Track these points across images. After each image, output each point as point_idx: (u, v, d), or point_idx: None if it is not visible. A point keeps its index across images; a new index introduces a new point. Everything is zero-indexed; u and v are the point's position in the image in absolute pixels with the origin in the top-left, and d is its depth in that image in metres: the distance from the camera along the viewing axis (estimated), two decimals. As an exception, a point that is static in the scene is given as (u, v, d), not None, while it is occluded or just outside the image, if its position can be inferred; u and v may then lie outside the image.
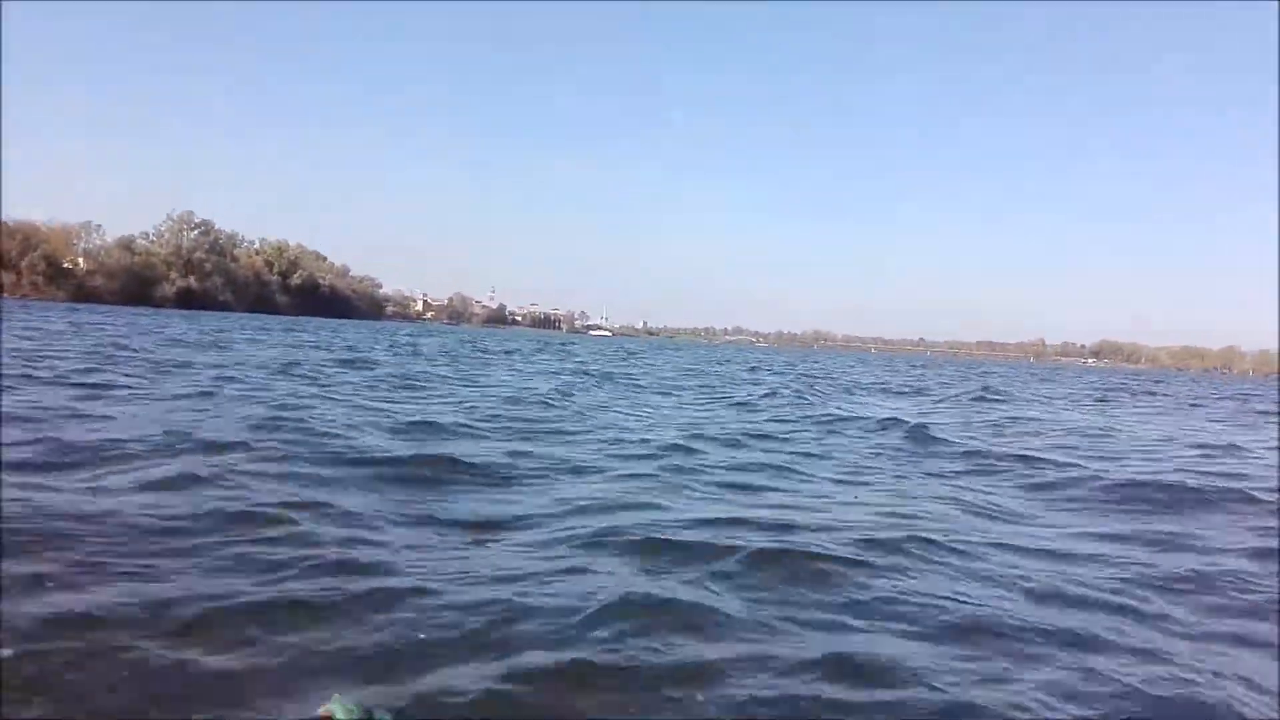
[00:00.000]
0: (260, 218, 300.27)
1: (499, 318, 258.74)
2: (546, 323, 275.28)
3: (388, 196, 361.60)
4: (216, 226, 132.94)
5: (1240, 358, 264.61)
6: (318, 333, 43.22)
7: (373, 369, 18.22)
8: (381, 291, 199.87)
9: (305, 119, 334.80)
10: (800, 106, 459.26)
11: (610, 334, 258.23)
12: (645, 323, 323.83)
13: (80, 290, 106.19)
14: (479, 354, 31.82)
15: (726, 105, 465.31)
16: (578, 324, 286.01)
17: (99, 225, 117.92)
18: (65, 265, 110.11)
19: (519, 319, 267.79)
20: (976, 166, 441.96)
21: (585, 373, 22.36)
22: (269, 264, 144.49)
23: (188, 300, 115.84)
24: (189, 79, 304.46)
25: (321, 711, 0.40)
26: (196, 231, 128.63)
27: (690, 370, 29.28)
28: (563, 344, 55.20)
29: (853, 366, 46.18)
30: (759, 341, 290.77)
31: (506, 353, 34.97)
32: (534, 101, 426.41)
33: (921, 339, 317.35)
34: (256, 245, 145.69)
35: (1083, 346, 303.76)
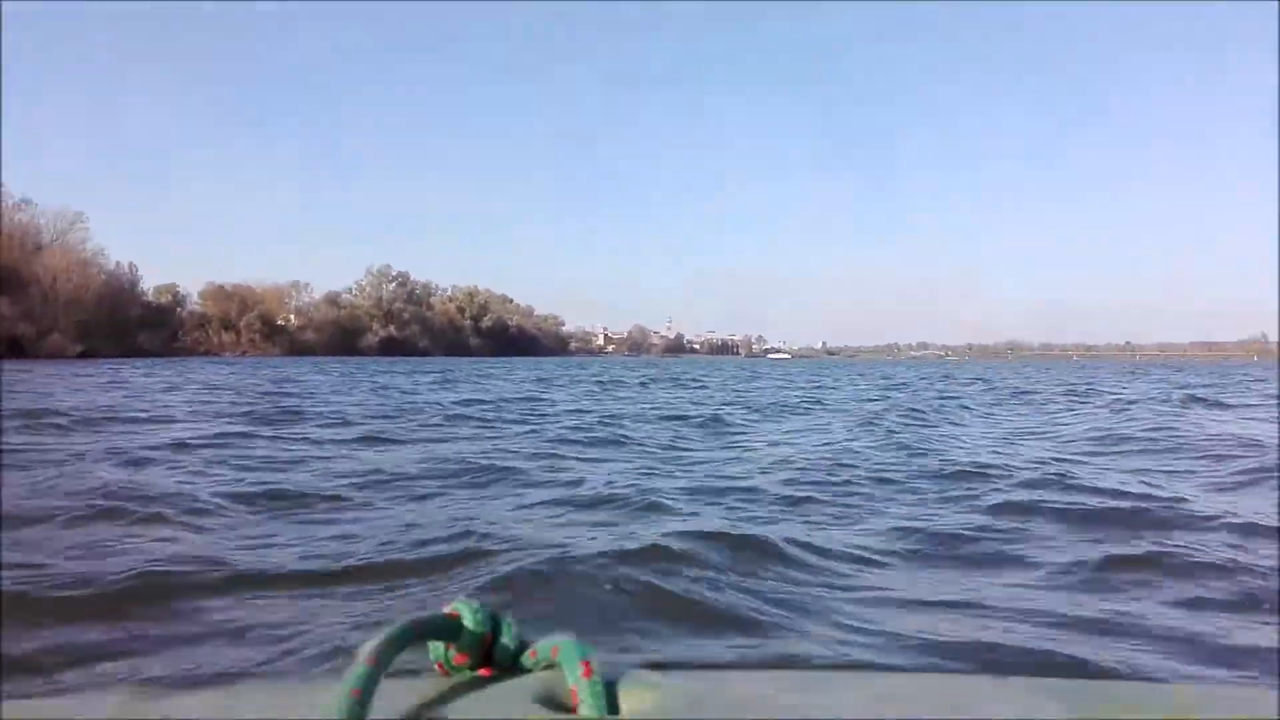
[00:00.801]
0: (448, 266, 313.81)
1: (677, 347, 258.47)
2: (724, 349, 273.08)
3: (557, 233, 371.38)
4: (412, 277, 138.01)
5: None
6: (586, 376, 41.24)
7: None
8: (564, 329, 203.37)
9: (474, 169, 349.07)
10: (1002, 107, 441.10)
11: (789, 356, 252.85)
12: (824, 343, 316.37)
13: (293, 344, 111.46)
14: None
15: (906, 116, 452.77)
16: (755, 349, 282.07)
17: (307, 284, 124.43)
18: (279, 322, 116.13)
19: (696, 347, 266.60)
20: (1198, 136, 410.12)
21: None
22: (461, 310, 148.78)
23: (389, 348, 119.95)
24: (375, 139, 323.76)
25: (448, 610, 0.44)
26: (394, 283, 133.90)
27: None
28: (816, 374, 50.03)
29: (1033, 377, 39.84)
30: (947, 355, 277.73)
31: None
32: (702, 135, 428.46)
33: (1128, 342, 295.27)
34: (449, 292, 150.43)
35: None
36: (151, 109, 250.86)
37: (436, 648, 0.60)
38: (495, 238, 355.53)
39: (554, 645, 0.59)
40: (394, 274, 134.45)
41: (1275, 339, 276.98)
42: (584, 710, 0.53)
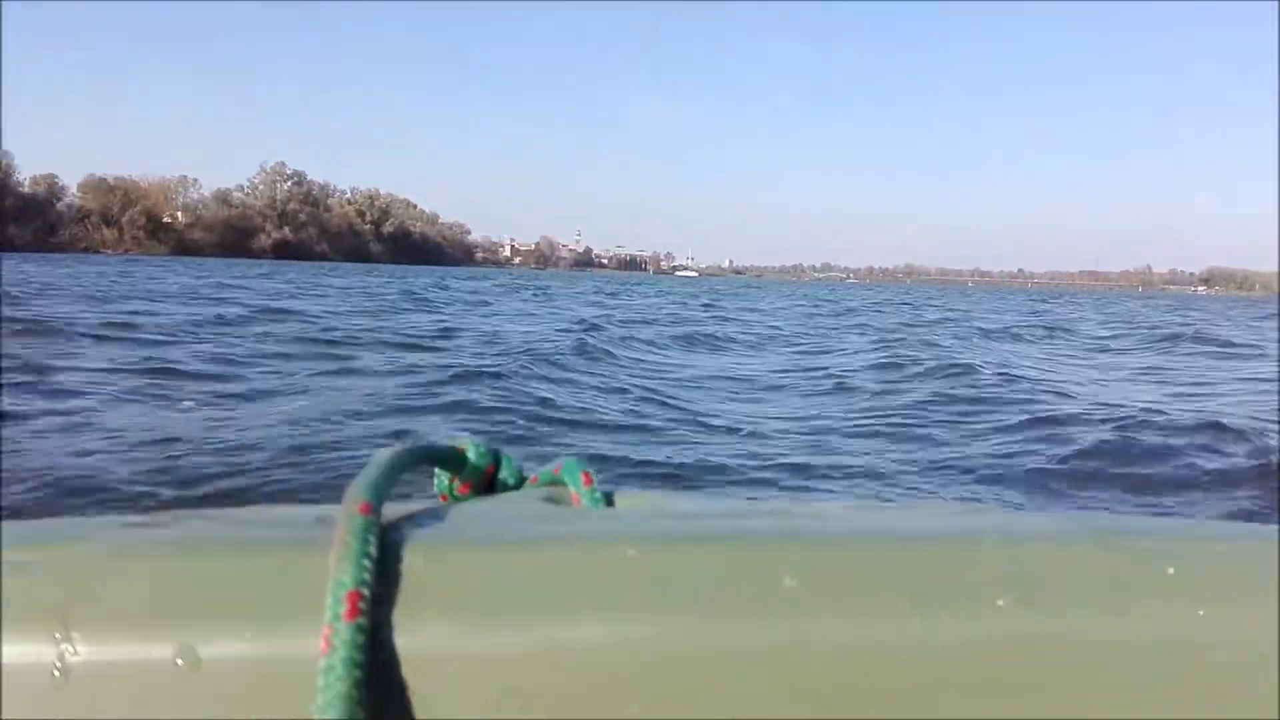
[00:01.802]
0: (348, 166, 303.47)
1: (585, 260, 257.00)
2: (633, 265, 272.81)
3: (466, 142, 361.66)
4: (309, 177, 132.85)
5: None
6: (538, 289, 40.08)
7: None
8: (470, 238, 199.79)
9: (387, 67, 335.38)
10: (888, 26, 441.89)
11: (697, 274, 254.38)
12: (731, 262, 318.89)
13: (180, 244, 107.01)
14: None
15: (815, 30, 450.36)
16: (664, 265, 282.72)
17: (195, 179, 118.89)
18: (165, 220, 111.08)
19: (605, 261, 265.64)
20: (1075, 79, 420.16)
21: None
22: (361, 213, 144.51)
23: (284, 252, 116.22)
24: (272, 34, 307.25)
25: (456, 444, 0.46)
26: (290, 183, 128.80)
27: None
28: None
29: (963, 309, 35.95)
30: (848, 278, 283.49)
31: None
32: (609, 37, 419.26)
33: (1021, 269, 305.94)
34: (349, 194, 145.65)
35: (1192, 274, 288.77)
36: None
37: (441, 479, 0.62)
38: (399, 140, 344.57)
39: (556, 465, 0.61)
40: (289, 172, 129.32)
41: (1158, 270, 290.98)
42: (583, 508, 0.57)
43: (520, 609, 0.41)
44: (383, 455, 0.52)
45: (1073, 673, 0.40)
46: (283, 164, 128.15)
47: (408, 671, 0.41)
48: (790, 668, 0.39)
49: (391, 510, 0.47)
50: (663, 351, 12.17)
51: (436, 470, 0.61)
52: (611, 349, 11.30)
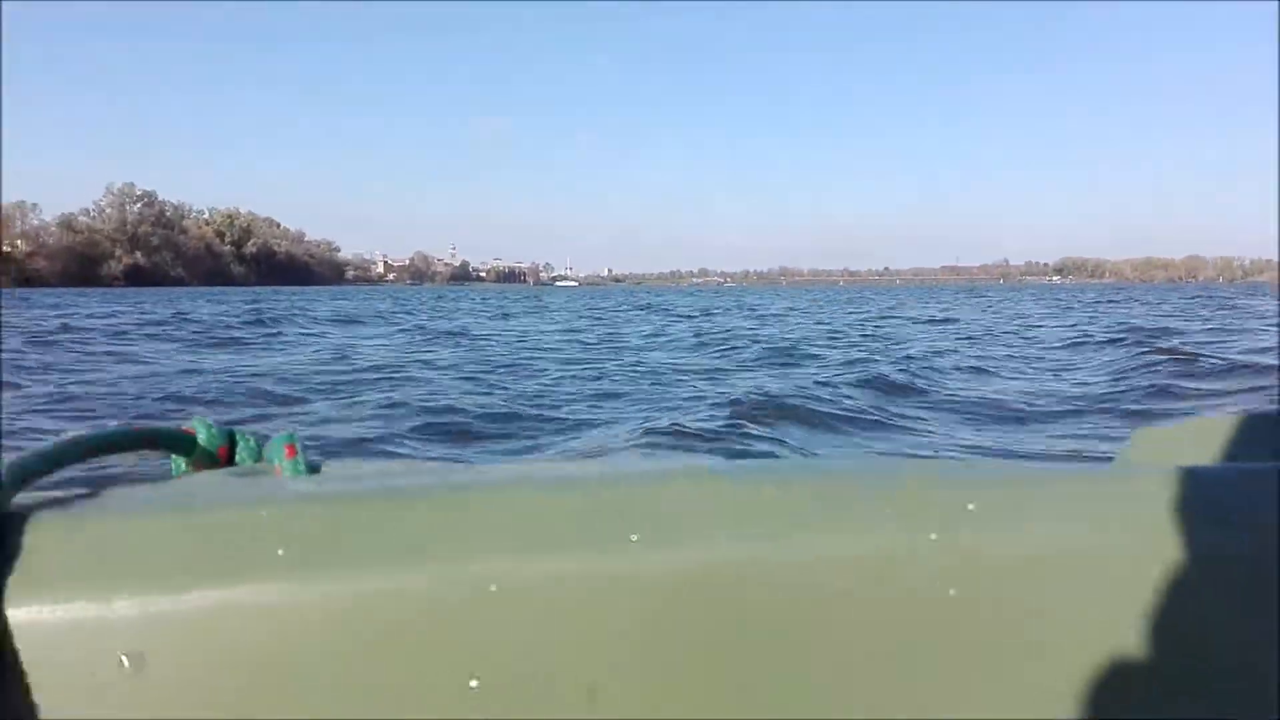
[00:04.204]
0: (205, 186, 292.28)
1: (463, 275, 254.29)
2: (512, 277, 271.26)
3: (327, 155, 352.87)
4: (160, 198, 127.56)
5: (1203, 265, 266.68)
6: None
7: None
8: (340, 255, 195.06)
9: (242, 78, 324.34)
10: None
11: (577, 284, 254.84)
12: (610, 270, 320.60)
13: (21, 274, 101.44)
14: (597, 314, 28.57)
15: (659, 45, 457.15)
16: (543, 276, 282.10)
17: (35, 204, 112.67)
18: (4, 249, 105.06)
19: (483, 275, 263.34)
20: (935, 70, 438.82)
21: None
22: (220, 234, 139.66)
23: (137, 278, 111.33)
24: (120, 41, 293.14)
25: (184, 428, 0.46)
26: (140, 204, 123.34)
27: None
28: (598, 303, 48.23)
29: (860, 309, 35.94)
30: (727, 282, 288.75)
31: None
32: (455, 56, 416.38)
33: (887, 268, 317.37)
34: (206, 215, 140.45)
35: (1047, 265, 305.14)
36: None
37: (178, 462, 0.62)
38: (258, 156, 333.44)
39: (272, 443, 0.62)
40: (139, 193, 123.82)
41: (1015, 263, 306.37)
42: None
43: (144, 575, 0.42)
44: (65, 437, 0.51)
45: (697, 601, 0.44)
46: (131, 184, 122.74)
47: (21, 639, 0.41)
48: (424, 615, 0.41)
49: (69, 493, 0.47)
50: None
51: (172, 455, 0.60)
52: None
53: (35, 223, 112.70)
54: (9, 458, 0.47)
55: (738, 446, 5.12)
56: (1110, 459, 0.50)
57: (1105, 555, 0.47)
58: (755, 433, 5.46)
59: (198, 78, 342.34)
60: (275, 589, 0.41)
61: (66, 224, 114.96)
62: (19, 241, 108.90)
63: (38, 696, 0.38)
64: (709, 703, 0.45)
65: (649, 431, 5.46)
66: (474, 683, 0.41)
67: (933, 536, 0.47)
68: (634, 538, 0.43)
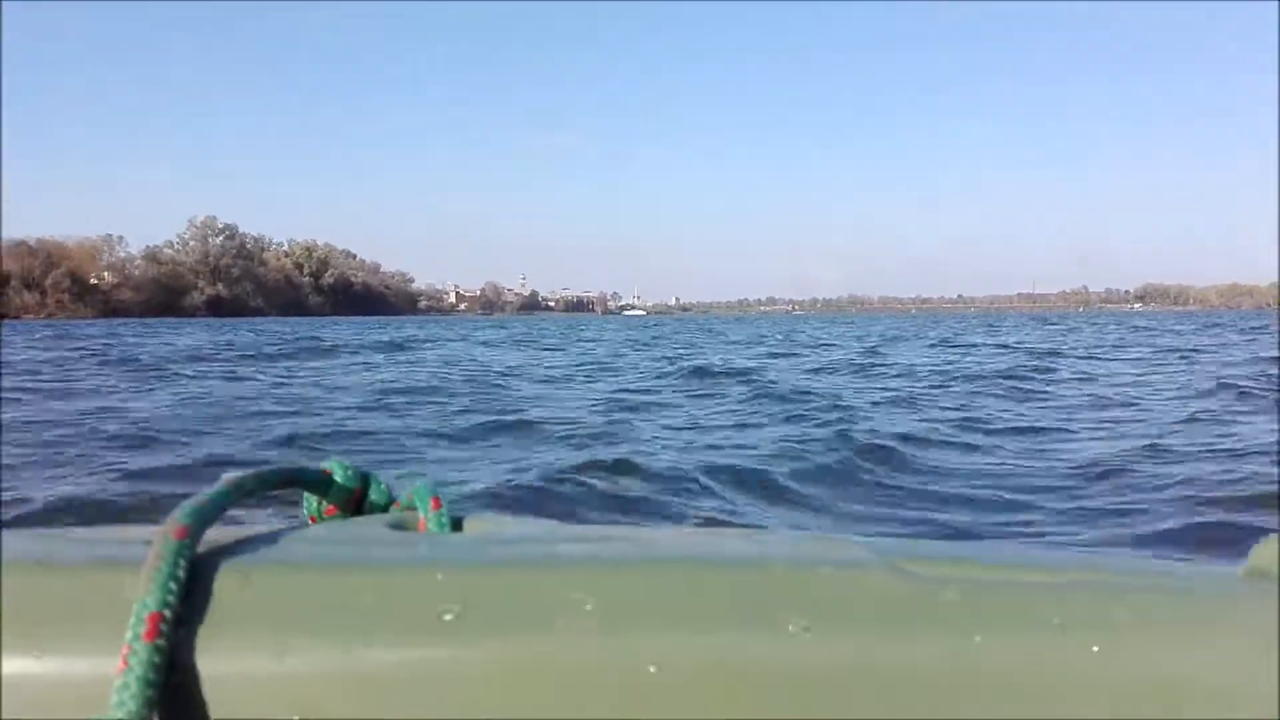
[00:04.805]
0: (286, 219, 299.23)
1: (533, 304, 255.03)
2: (580, 306, 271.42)
3: (406, 190, 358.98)
4: (241, 230, 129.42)
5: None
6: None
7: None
8: (414, 286, 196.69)
9: (320, 117, 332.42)
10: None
11: (645, 312, 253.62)
12: (678, 299, 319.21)
13: (107, 305, 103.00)
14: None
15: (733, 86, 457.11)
16: (611, 305, 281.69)
17: (121, 237, 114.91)
18: (91, 281, 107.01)
19: (552, 304, 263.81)
20: (1022, 104, 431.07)
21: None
22: (299, 266, 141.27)
23: (218, 308, 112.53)
24: (198, 79, 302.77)
25: (323, 466, 0.47)
26: (221, 237, 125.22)
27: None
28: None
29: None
30: (795, 310, 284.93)
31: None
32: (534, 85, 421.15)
33: (960, 295, 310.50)
34: (285, 247, 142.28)
35: (1127, 292, 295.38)
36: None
37: (310, 502, 0.62)
38: (339, 190, 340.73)
39: (412, 491, 0.62)
40: (220, 226, 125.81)
41: (1094, 290, 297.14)
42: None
43: (317, 631, 0.42)
44: (225, 479, 0.52)
45: (859, 699, 0.41)
46: (213, 218, 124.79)
47: (206, 691, 0.41)
48: (585, 688, 0.40)
49: (230, 534, 0.48)
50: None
51: (305, 493, 0.62)
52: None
53: (121, 255, 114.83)
54: (174, 512, 0.45)
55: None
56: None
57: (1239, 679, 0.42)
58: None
59: (283, 130, 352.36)
60: (444, 654, 0.41)
61: (152, 256, 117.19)
62: (105, 273, 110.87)
63: None
64: None
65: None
66: None
67: (1095, 649, 0.43)
68: (804, 625, 0.41)
